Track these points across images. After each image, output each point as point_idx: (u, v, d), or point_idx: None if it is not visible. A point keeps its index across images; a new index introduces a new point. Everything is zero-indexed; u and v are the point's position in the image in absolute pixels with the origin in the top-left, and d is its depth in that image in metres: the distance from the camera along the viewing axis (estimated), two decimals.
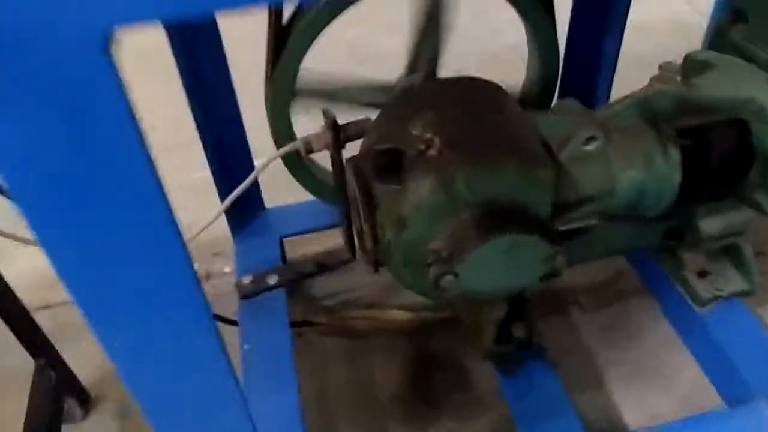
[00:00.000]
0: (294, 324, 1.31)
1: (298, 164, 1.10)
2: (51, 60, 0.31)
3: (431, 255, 0.80)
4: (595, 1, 1.15)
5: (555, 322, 1.34)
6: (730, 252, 1.09)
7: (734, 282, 1.08)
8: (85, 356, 1.31)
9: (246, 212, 1.29)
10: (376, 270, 0.88)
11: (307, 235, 1.35)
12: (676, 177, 0.88)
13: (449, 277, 0.78)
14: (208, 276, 1.48)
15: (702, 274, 1.10)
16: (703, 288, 1.08)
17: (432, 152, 0.79)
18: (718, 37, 1.01)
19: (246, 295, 1.16)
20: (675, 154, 0.88)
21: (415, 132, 0.81)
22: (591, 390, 1.21)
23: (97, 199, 0.38)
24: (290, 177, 1.16)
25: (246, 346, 1.08)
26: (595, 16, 1.16)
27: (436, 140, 0.79)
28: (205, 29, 1.01)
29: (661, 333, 1.26)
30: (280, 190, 1.28)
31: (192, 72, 1.05)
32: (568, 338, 1.31)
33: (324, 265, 1.21)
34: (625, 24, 1.15)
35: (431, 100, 0.86)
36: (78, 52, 0.31)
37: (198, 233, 1.07)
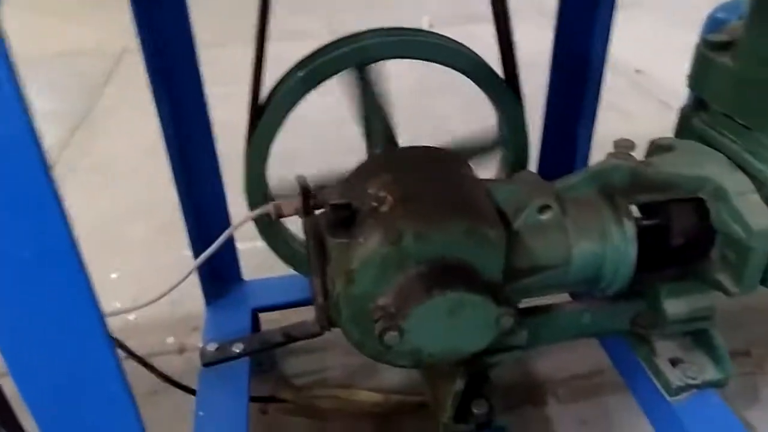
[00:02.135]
0: (259, 399, 1.28)
1: (271, 231, 1.12)
2: None
3: (378, 311, 0.79)
4: (569, 89, 1.22)
5: (530, 413, 1.29)
6: (700, 339, 1.06)
7: (707, 371, 1.04)
8: None
9: (221, 282, 1.30)
10: (328, 328, 0.87)
11: (288, 312, 1.34)
12: (632, 250, 0.88)
13: (393, 333, 0.77)
14: (182, 349, 1.46)
15: (674, 362, 1.07)
16: (675, 376, 1.04)
17: (383, 209, 0.80)
18: (682, 125, 1.05)
19: (208, 362, 1.14)
20: (630, 228, 0.88)
21: (370, 191, 0.84)
22: None
23: None
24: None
25: (200, 413, 1.05)
26: (568, 103, 1.22)
27: (389, 198, 0.81)
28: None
29: (640, 430, 1.20)
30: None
31: (179, 142, 1.11)
32: (543, 429, 1.25)
33: (291, 336, 1.19)
34: (596, 108, 1.21)
35: (390, 164, 0.89)
36: None
37: (166, 293, 1.07)
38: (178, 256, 1.60)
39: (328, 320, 0.86)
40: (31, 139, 0.38)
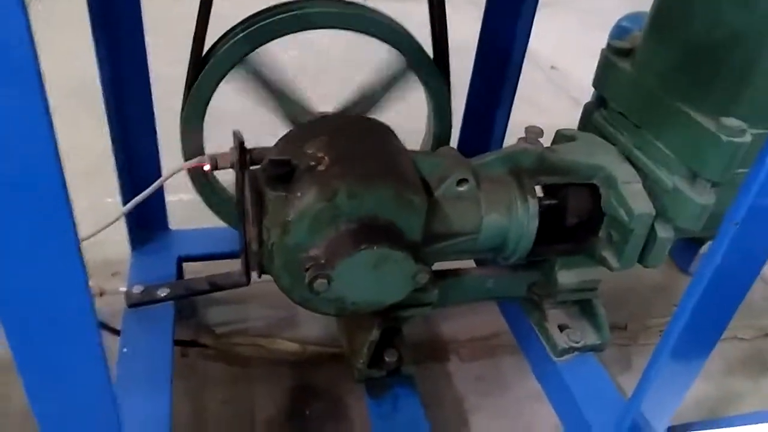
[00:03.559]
0: (180, 343, 1.33)
1: (203, 181, 1.17)
2: None
3: (309, 261, 0.88)
4: (491, 76, 1.33)
5: (434, 368, 1.42)
6: (585, 309, 1.22)
7: (589, 336, 1.20)
8: None
9: (148, 230, 1.33)
10: (259, 274, 0.95)
11: (211, 264, 1.39)
12: (533, 225, 1.01)
13: (323, 281, 0.86)
14: (102, 292, 1.48)
15: (562, 327, 1.21)
16: (561, 339, 1.19)
17: (320, 168, 0.88)
18: (585, 119, 1.19)
19: (133, 303, 1.18)
20: (533, 205, 1.01)
21: (309, 151, 0.91)
22: (455, 430, 1.27)
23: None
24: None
25: (124, 350, 1.10)
26: (489, 89, 1.33)
27: (326, 158, 0.89)
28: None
29: (528, 387, 1.35)
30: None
31: (113, 84, 1.13)
32: (444, 383, 1.38)
33: (216, 284, 1.24)
34: (513, 96, 1.33)
35: (328, 129, 0.97)
36: None
37: (95, 233, 1.10)
38: (99, 202, 1.61)
39: (260, 267, 0.93)
40: None
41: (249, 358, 1.35)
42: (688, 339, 0.77)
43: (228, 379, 1.32)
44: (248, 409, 1.26)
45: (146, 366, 1.07)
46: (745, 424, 0.97)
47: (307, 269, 0.87)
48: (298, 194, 0.86)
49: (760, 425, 0.98)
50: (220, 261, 1.36)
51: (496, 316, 1.43)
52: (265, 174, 0.89)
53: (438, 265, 1.10)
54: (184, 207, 1.49)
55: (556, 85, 2.72)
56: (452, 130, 1.26)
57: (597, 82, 1.14)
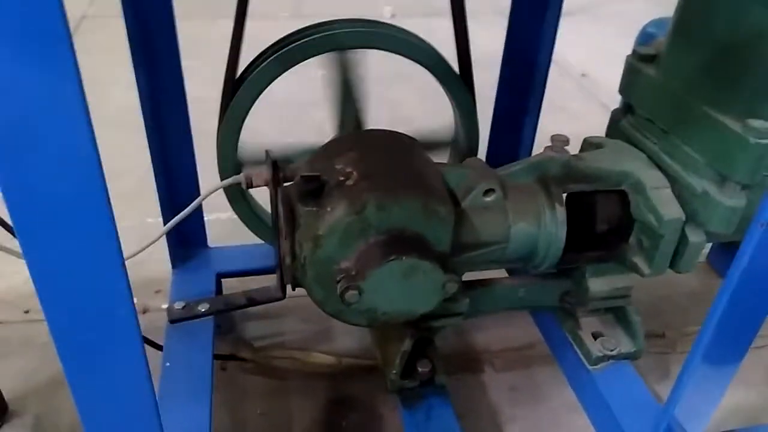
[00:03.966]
0: (220, 357, 1.37)
1: (239, 199, 1.21)
2: None
3: (340, 273, 0.90)
4: (517, 85, 1.34)
5: (468, 379, 1.42)
6: (619, 316, 1.21)
7: (623, 344, 1.19)
8: (11, 372, 1.34)
9: (188, 248, 1.38)
10: (293, 287, 0.98)
11: (247, 280, 1.43)
12: (562, 233, 1.01)
13: (353, 292, 0.88)
14: (145, 310, 1.53)
15: (596, 336, 1.21)
16: (595, 348, 1.18)
17: (349, 182, 0.91)
18: (612, 126, 1.19)
19: (175, 319, 1.22)
20: (561, 213, 1.01)
21: (338, 166, 0.94)
22: None
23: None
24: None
25: (167, 364, 1.14)
26: (516, 98, 1.35)
27: (355, 173, 0.92)
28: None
29: (563, 398, 1.35)
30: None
31: (153, 109, 1.18)
32: (478, 394, 1.39)
33: (253, 299, 1.28)
34: (541, 104, 1.34)
35: (356, 144, 1.00)
36: None
37: (138, 252, 1.15)
38: (141, 222, 1.68)
39: (293, 280, 0.96)
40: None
41: (286, 371, 1.38)
42: (719, 343, 0.77)
43: (265, 391, 1.35)
44: (285, 421, 1.29)
45: (187, 379, 1.11)
46: None
47: (339, 281, 0.90)
48: (329, 209, 0.89)
49: None
50: (256, 276, 1.40)
51: (530, 326, 1.43)
52: (297, 190, 0.92)
53: (469, 276, 1.11)
54: (223, 225, 1.54)
55: (586, 93, 2.71)
56: (480, 141, 1.28)
57: (623, 89, 1.14)
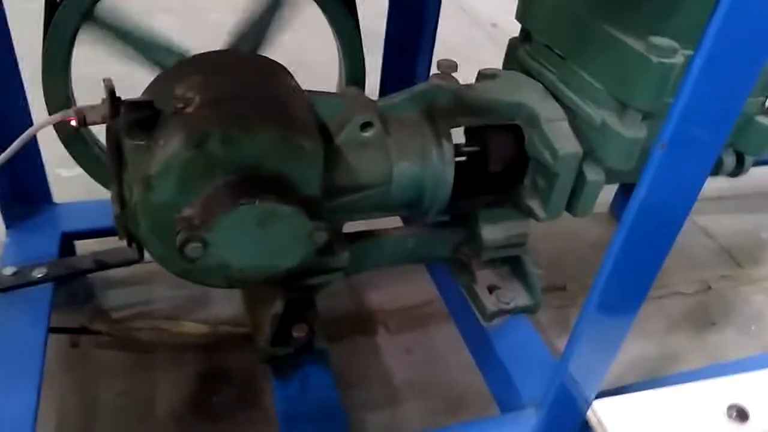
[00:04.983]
0: (67, 330, 1.18)
1: (73, 137, 1.01)
2: None
3: (181, 223, 0.74)
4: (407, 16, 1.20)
5: (360, 342, 1.30)
6: (515, 268, 1.11)
7: (520, 297, 1.10)
8: None
9: (25, 203, 1.16)
10: (129, 243, 0.80)
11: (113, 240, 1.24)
12: (449, 173, 0.89)
13: (196, 245, 0.72)
14: None
15: (491, 289, 1.11)
16: (490, 302, 1.08)
17: (189, 110, 0.74)
18: (509, 56, 1.07)
19: (3, 288, 1.02)
20: (449, 151, 0.89)
21: (179, 92, 0.77)
22: (382, 408, 1.17)
23: None
24: None
25: None
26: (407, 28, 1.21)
27: (197, 99, 0.75)
28: None
29: (461, 358, 1.25)
30: None
31: None
32: (370, 358, 1.27)
33: (103, 262, 1.10)
34: (434, 39, 1.21)
35: (205, 67, 0.82)
36: None
37: None
38: None
39: (126, 232, 0.78)
40: None
41: (150, 344, 1.21)
42: (616, 288, 0.67)
43: (125, 368, 1.17)
44: (146, 400, 1.12)
45: (11, 359, 0.92)
46: (682, 383, 0.89)
47: (178, 232, 0.73)
48: (161, 142, 0.72)
49: (696, 383, 0.90)
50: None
51: (428, 282, 1.33)
52: (124, 120, 0.74)
53: (352, 227, 0.98)
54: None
55: (496, 43, 2.61)
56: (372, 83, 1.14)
57: (519, 14, 1.02)
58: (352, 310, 1.37)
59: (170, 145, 0.71)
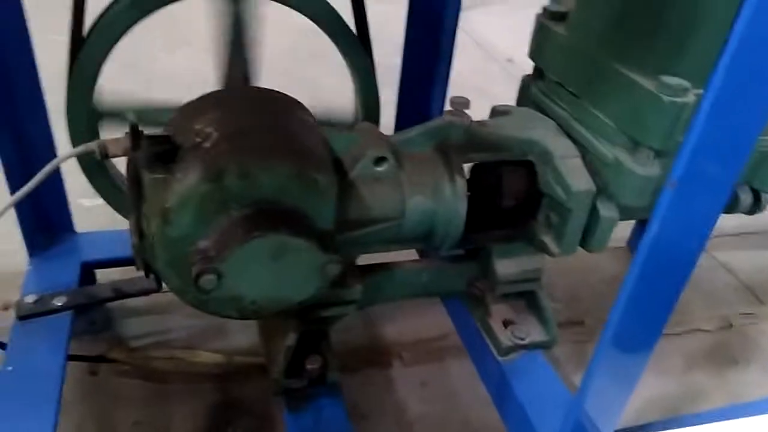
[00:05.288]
0: (86, 359, 1.19)
1: (96, 170, 1.04)
2: None
3: (197, 254, 0.75)
4: (421, 51, 1.22)
5: (375, 375, 1.30)
6: (530, 302, 1.11)
7: (535, 332, 1.09)
8: None
9: (47, 232, 1.19)
10: (146, 273, 0.82)
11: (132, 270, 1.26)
12: (462, 207, 0.90)
13: (210, 277, 0.74)
14: (6, 306, 1.33)
15: (506, 323, 1.10)
16: (505, 336, 1.08)
17: (207, 144, 0.76)
18: (522, 93, 1.09)
19: (24, 315, 1.04)
20: (461, 185, 0.90)
21: (197, 126, 0.79)
22: None
23: None
24: None
25: (8, 368, 0.96)
26: (422, 63, 1.23)
27: (215, 134, 0.77)
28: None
29: (476, 392, 1.23)
30: None
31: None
32: (385, 391, 1.26)
33: (122, 291, 1.12)
34: (449, 73, 1.22)
35: (222, 102, 0.85)
36: None
37: None
38: None
39: (144, 264, 0.80)
40: None
41: (167, 374, 1.21)
42: (631, 324, 0.67)
43: (142, 397, 1.18)
44: (163, 429, 1.12)
45: (28, 387, 0.93)
46: (703, 423, 0.86)
47: (193, 264, 0.75)
48: (179, 175, 0.74)
49: (717, 423, 0.88)
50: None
51: (443, 315, 1.32)
52: (143, 154, 0.76)
53: (368, 260, 0.99)
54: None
55: (512, 77, 2.64)
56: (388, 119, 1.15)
57: (533, 52, 1.04)
58: (367, 343, 1.37)
59: (188, 179, 0.73)
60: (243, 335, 1.32)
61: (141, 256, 0.79)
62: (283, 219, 0.76)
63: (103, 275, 1.29)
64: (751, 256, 1.83)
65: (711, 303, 1.62)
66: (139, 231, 0.78)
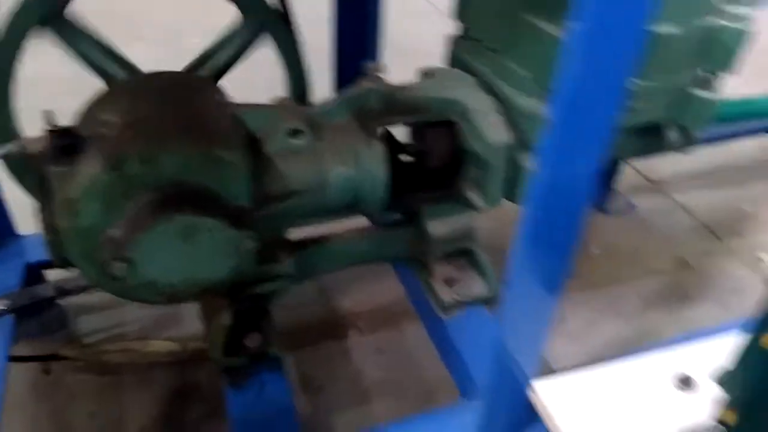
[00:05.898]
0: (37, 358, 1.19)
1: (23, 170, 1.02)
2: None
3: (106, 242, 0.75)
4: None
5: (331, 346, 1.31)
6: (471, 260, 1.11)
7: (476, 288, 1.10)
8: None
9: None
10: (63, 267, 0.82)
11: None
12: (382, 171, 0.90)
13: (120, 264, 0.73)
14: None
15: (450, 282, 1.11)
16: (446, 294, 1.08)
17: (111, 134, 0.75)
18: (450, 53, 1.08)
19: None
20: (379, 149, 0.89)
21: (102, 117, 0.78)
22: (353, 408, 1.17)
23: None
24: None
25: None
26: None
27: (118, 122, 0.76)
28: None
29: (432, 353, 1.25)
30: None
31: None
32: (340, 360, 1.27)
33: (64, 289, 1.11)
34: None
35: (132, 90, 0.84)
36: None
37: None
38: None
39: (60, 258, 0.80)
40: None
41: (121, 366, 1.22)
42: (535, 259, 0.67)
43: (97, 391, 1.18)
44: (117, 420, 1.13)
45: None
46: (639, 357, 0.88)
47: (103, 252, 0.74)
48: (83, 167, 0.73)
49: (642, 356, 0.89)
50: None
51: (396, 282, 1.33)
52: (46, 148, 0.75)
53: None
54: None
55: None
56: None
57: (456, 12, 1.02)
58: (324, 315, 1.37)
59: (89, 170, 0.73)
60: (197, 321, 1.32)
61: (57, 251, 0.79)
62: (189, 199, 0.76)
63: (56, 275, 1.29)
64: (709, 195, 1.85)
65: (669, 244, 1.64)
66: (50, 227, 0.77)
